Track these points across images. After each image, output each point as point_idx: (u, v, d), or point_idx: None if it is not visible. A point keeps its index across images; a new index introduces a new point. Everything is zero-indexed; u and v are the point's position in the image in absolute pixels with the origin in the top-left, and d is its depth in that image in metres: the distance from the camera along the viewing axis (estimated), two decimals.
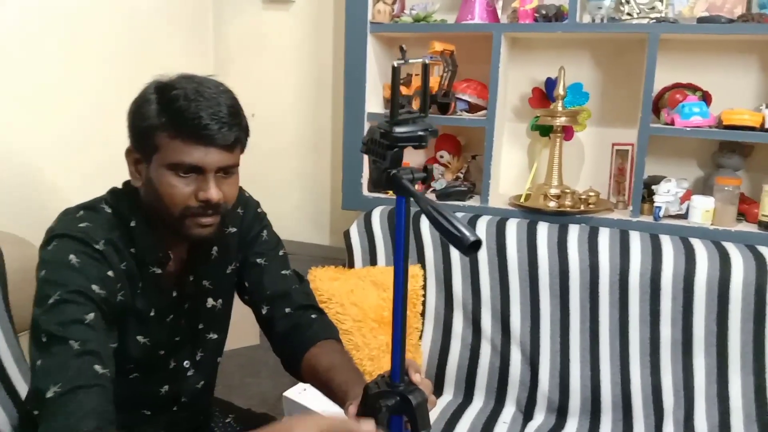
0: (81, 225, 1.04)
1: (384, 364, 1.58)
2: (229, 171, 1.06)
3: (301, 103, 2.50)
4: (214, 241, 1.18)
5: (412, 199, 0.77)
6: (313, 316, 1.26)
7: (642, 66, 1.81)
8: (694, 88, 1.92)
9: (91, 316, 0.98)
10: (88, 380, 0.93)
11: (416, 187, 0.78)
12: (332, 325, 1.27)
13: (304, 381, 1.21)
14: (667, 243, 1.74)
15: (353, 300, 1.84)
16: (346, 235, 2.06)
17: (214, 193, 1.03)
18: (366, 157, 0.81)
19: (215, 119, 1.00)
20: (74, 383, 0.92)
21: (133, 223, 1.09)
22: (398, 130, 0.78)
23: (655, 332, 1.71)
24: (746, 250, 1.69)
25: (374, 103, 2.16)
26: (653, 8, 1.85)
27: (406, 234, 0.82)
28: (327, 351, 1.18)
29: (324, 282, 1.89)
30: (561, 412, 1.78)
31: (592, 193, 1.93)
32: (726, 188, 1.82)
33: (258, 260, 1.26)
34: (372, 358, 1.79)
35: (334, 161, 2.46)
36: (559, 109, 1.92)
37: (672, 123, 1.84)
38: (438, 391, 1.90)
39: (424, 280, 1.93)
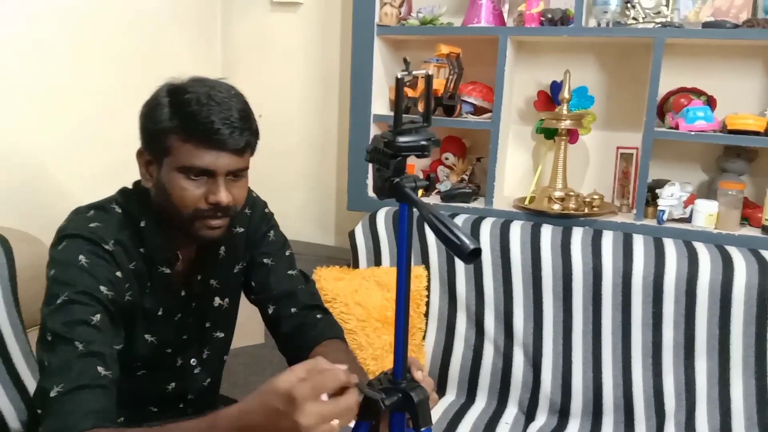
0: (91, 225, 1.06)
1: (387, 364, 1.59)
2: (238, 174, 1.08)
3: (307, 105, 2.52)
4: (222, 241, 1.19)
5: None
6: (318, 316, 1.27)
7: (647, 70, 1.82)
8: (698, 93, 1.93)
9: (98, 317, 0.99)
10: (90, 381, 0.95)
11: (419, 193, 0.80)
12: (337, 325, 1.29)
13: None
14: (670, 246, 1.75)
15: (357, 300, 1.85)
16: (351, 235, 2.07)
17: (223, 196, 1.04)
18: None
19: (226, 124, 1.01)
20: (76, 383, 0.94)
21: (142, 224, 1.11)
22: (401, 139, 0.79)
23: (657, 335, 1.72)
24: (749, 254, 1.70)
25: (380, 104, 2.17)
26: (659, 13, 1.86)
27: (409, 240, 0.84)
28: (332, 350, 1.19)
29: (329, 282, 1.90)
30: (563, 413, 1.79)
31: (596, 196, 1.94)
32: (730, 192, 1.82)
33: (265, 260, 1.28)
34: (376, 358, 1.81)
35: (340, 162, 2.47)
36: (564, 112, 1.93)
37: (676, 127, 1.85)
38: (441, 391, 1.91)
39: (428, 280, 1.94)
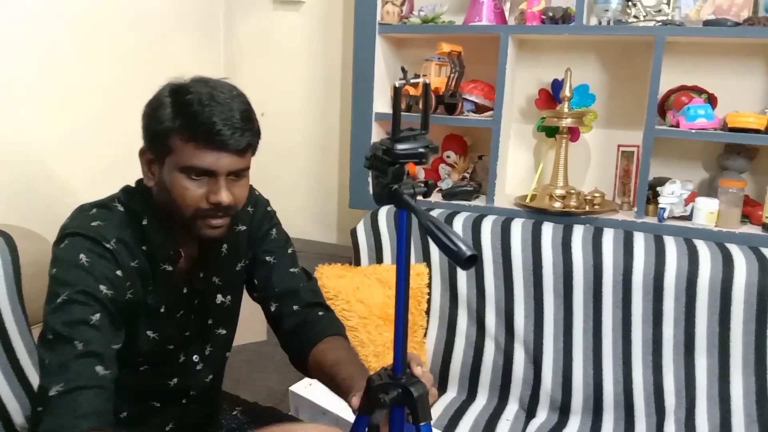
0: (93, 224, 1.07)
1: (389, 361, 1.60)
2: (240, 174, 1.09)
3: (309, 103, 2.52)
4: (225, 238, 1.20)
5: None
6: (320, 313, 1.28)
7: (648, 68, 1.83)
8: (699, 91, 1.93)
9: (97, 316, 1.01)
10: (88, 381, 0.96)
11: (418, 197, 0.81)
12: (339, 322, 1.30)
13: (311, 376, 1.23)
14: (670, 244, 1.75)
15: (359, 297, 1.86)
16: (353, 233, 2.08)
17: (224, 196, 1.05)
18: None
19: (228, 125, 1.02)
20: (75, 383, 0.95)
21: (145, 221, 1.12)
22: (399, 147, 0.80)
23: (657, 332, 1.73)
24: (750, 252, 1.70)
25: (382, 103, 2.18)
26: (660, 11, 1.86)
27: (408, 245, 0.86)
28: (333, 347, 1.20)
29: (330, 279, 1.91)
30: (563, 410, 1.80)
31: (597, 194, 1.95)
32: (731, 190, 1.83)
33: (267, 258, 1.29)
34: (377, 355, 1.82)
35: (342, 160, 2.48)
36: (566, 110, 1.93)
37: (677, 125, 1.85)
38: (442, 388, 1.92)
39: (429, 278, 1.95)
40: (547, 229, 1.86)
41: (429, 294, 1.95)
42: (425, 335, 1.95)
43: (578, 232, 1.84)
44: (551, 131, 2.07)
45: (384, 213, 2.05)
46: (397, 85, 0.80)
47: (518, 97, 2.18)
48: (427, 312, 1.95)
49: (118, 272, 1.06)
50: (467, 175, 2.23)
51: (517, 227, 1.89)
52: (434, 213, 2.01)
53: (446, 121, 2.07)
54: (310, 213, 2.59)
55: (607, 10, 1.86)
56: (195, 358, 1.24)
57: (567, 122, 1.93)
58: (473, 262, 0.69)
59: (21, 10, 1.72)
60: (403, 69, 0.83)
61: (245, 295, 1.33)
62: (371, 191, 0.81)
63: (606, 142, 2.10)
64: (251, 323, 1.53)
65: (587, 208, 1.93)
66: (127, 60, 2.06)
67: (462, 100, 2.09)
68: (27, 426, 1.36)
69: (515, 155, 2.22)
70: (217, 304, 1.25)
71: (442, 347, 1.93)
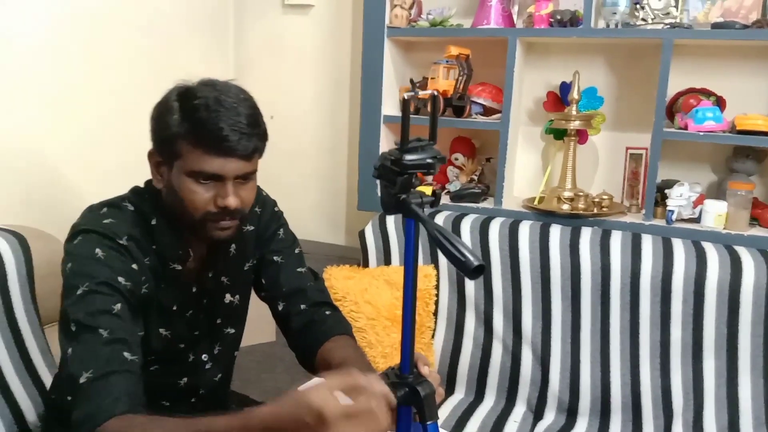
0: (105, 221, 1.08)
1: (397, 362, 1.61)
2: (247, 177, 1.10)
3: (318, 106, 2.54)
4: (233, 239, 1.22)
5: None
6: (327, 312, 1.29)
7: (656, 71, 1.83)
8: (708, 93, 1.93)
9: (118, 306, 1.02)
10: (118, 366, 0.98)
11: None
12: (346, 321, 1.31)
13: (318, 375, 1.24)
14: (678, 246, 1.75)
15: (367, 298, 1.87)
16: (361, 235, 2.09)
17: (232, 200, 1.06)
18: None
19: (235, 130, 1.03)
20: (106, 369, 0.96)
21: (154, 222, 1.13)
22: (408, 157, 0.81)
23: (665, 334, 1.72)
24: (758, 255, 1.70)
25: (390, 105, 2.19)
26: (668, 14, 1.86)
27: (415, 253, 0.87)
28: (340, 346, 1.21)
29: (339, 281, 1.92)
30: (571, 412, 1.80)
31: (605, 197, 1.95)
32: (739, 193, 1.82)
33: (275, 258, 1.30)
34: (385, 356, 1.82)
35: (351, 163, 2.50)
36: (574, 113, 1.94)
37: (685, 128, 1.85)
38: (450, 389, 1.93)
39: (437, 279, 1.95)
40: (555, 232, 1.87)
41: (437, 295, 1.96)
42: (433, 336, 1.95)
43: (586, 235, 1.84)
44: (559, 134, 2.07)
45: (392, 215, 2.05)
46: (406, 97, 0.81)
47: (526, 99, 2.19)
48: (435, 313, 1.96)
49: (134, 266, 1.08)
50: (475, 178, 2.24)
51: (525, 229, 1.89)
52: (442, 215, 2.02)
53: (454, 123, 2.08)
54: (318, 215, 2.61)
55: (615, 13, 1.87)
56: (204, 357, 1.25)
57: (575, 125, 1.94)
58: (481, 272, 0.70)
59: (33, 15, 1.74)
60: (411, 81, 0.84)
61: (254, 297, 1.34)
62: (379, 194, 0.82)
63: (614, 144, 2.10)
64: (261, 324, 1.54)
65: (595, 211, 1.93)
66: (138, 63, 2.09)
67: (470, 103, 2.09)
68: (39, 424, 1.38)
69: (523, 157, 2.22)
70: (226, 304, 1.26)
71: (450, 348, 1.94)
